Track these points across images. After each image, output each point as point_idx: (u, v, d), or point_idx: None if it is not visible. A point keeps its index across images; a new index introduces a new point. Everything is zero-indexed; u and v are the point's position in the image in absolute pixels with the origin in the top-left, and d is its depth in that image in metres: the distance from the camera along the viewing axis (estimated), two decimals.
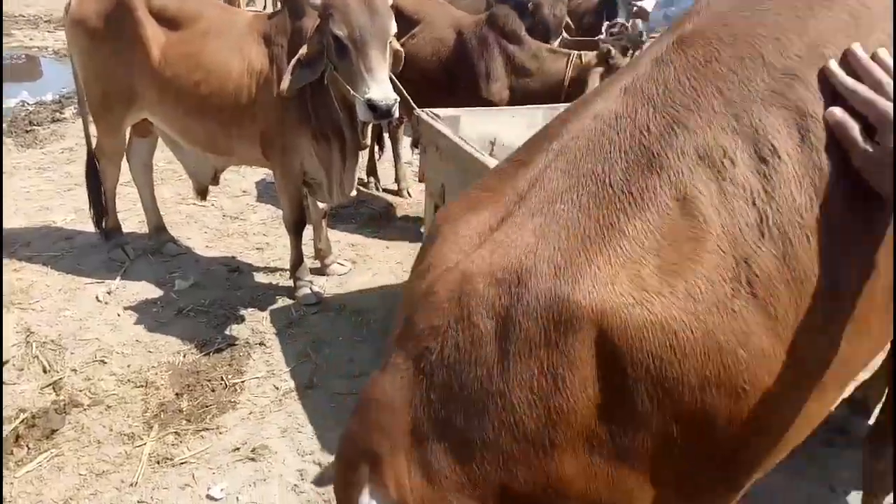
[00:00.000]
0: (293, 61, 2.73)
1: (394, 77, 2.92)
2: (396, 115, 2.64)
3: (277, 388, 2.78)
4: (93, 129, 3.55)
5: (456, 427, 0.92)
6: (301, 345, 3.06)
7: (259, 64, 3.02)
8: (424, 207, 3.11)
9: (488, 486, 0.93)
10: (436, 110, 2.88)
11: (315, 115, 2.95)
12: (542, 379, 0.90)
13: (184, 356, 2.96)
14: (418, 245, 3.85)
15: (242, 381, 2.81)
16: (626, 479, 0.95)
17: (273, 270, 3.73)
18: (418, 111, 2.89)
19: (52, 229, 4.03)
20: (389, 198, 4.77)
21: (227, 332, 3.12)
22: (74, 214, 4.22)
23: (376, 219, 4.45)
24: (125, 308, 3.28)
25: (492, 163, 2.37)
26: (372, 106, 2.53)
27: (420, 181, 3.04)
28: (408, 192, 4.83)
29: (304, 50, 2.73)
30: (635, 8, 5.03)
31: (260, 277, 3.65)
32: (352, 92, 2.61)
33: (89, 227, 3.96)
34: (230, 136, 3.18)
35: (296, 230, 3.34)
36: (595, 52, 3.65)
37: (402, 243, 4.08)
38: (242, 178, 4.94)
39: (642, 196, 0.95)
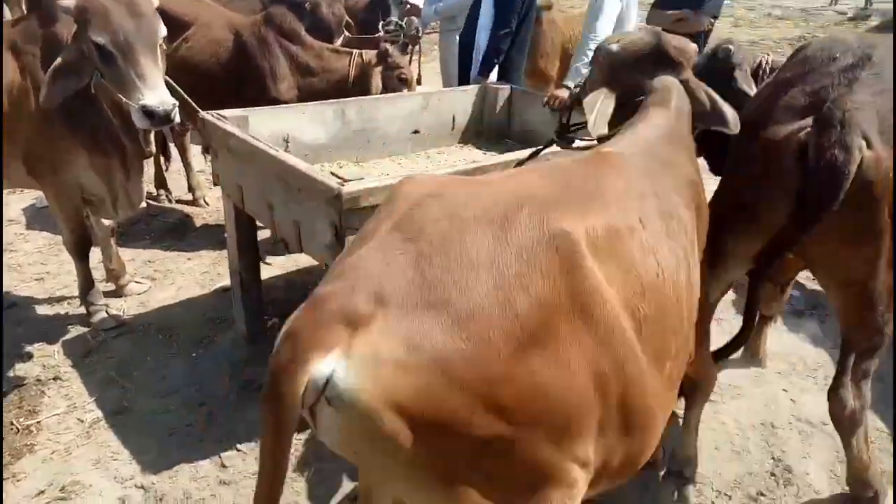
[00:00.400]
0: (50, 71, 2.52)
1: (171, 81, 2.84)
2: (177, 119, 2.57)
3: (82, 421, 2.58)
4: None
5: (448, 301, 1.07)
6: (104, 372, 2.86)
7: (8, 76, 2.74)
8: (224, 211, 3.05)
9: (469, 363, 1.05)
10: (222, 112, 2.84)
11: (86, 126, 2.75)
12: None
13: None
14: (223, 252, 3.79)
15: (38, 422, 2.57)
16: None
17: (59, 300, 3.40)
18: (204, 114, 2.82)
19: None
20: (185, 209, 4.55)
21: (9, 374, 2.81)
22: None
23: (173, 231, 4.24)
24: None
25: (290, 159, 2.42)
26: (148, 112, 2.43)
27: (216, 185, 2.97)
28: (204, 201, 4.66)
29: (59, 59, 2.53)
30: (408, 6, 5.30)
31: (44, 310, 3.32)
32: (124, 100, 2.48)
33: None
34: None
35: (80, 253, 3.09)
36: (375, 52, 3.81)
37: (205, 252, 3.95)
38: (5, 206, 4.40)
39: None
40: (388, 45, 3.81)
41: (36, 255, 3.89)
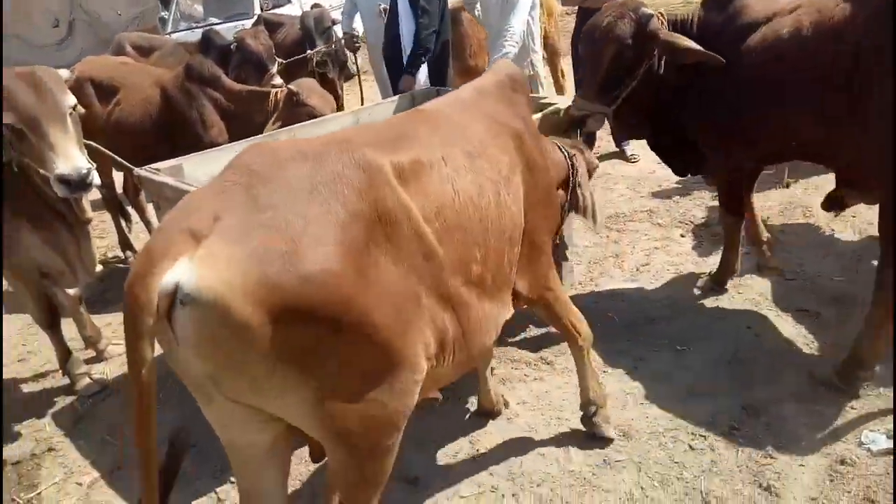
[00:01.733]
0: None
1: (95, 144, 2.92)
2: (96, 182, 2.63)
3: (81, 485, 2.66)
4: None
5: (275, 212, 1.31)
6: (97, 435, 2.94)
7: None
8: None
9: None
10: (155, 165, 2.94)
11: (26, 204, 2.83)
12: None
13: None
14: None
15: (38, 494, 2.65)
16: None
17: (44, 375, 3.48)
18: (137, 171, 2.91)
19: None
20: None
21: (3, 456, 2.89)
22: None
23: None
24: None
25: None
26: (64, 181, 2.51)
27: None
28: None
29: None
30: (333, 36, 5.37)
31: (30, 387, 3.40)
32: (42, 171, 2.57)
33: None
34: None
35: (50, 325, 3.17)
36: (285, 89, 3.86)
37: None
38: None
39: None
40: (293, 86, 3.85)
41: (16, 337, 3.95)
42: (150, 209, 4.69)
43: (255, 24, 6.41)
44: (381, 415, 1.49)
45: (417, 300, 1.54)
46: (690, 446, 2.39)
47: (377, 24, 4.60)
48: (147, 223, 4.68)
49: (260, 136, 3.39)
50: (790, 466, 2.22)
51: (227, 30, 8.11)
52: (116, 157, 3.03)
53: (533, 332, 3.20)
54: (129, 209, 4.74)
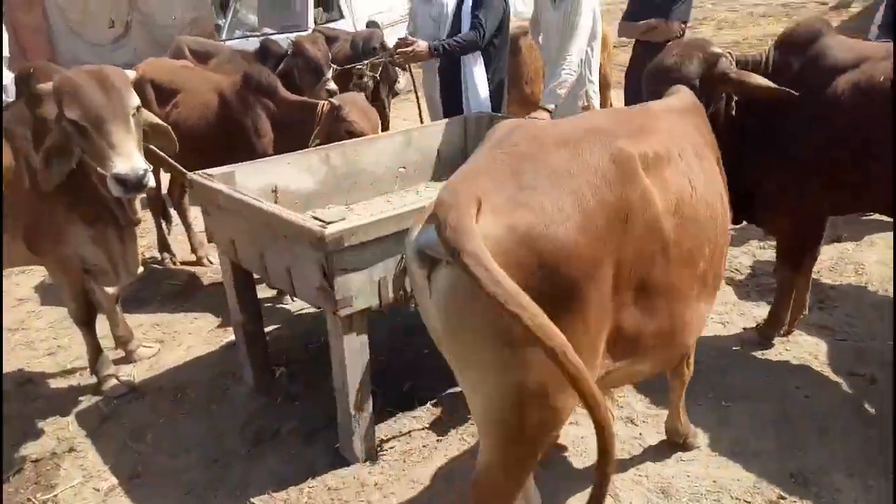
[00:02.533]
0: (41, 155, 2.62)
1: (153, 148, 2.93)
2: (151, 184, 2.64)
3: (98, 490, 2.60)
4: None
5: (535, 190, 1.44)
6: (119, 438, 2.89)
7: (6, 160, 2.85)
8: (220, 264, 3.11)
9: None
10: (208, 170, 2.93)
11: (82, 200, 2.85)
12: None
13: None
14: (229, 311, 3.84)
15: (55, 496, 2.60)
16: None
17: (71, 372, 3.46)
18: (190, 175, 2.91)
19: None
20: (190, 269, 4.63)
21: (25, 451, 2.85)
22: None
23: (179, 294, 4.30)
24: None
25: (273, 207, 2.49)
26: (120, 180, 2.51)
27: (210, 242, 3.05)
28: (208, 260, 4.73)
29: (48, 141, 2.64)
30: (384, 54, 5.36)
31: (58, 383, 3.37)
32: (100, 170, 2.57)
33: None
34: None
35: (85, 322, 3.15)
36: (328, 103, 3.80)
37: (214, 310, 4.00)
38: (17, 286, 4.51)
39: None
40: (335, 100, 3.82)
41: (48, 330, 3.96)
42: (192, 213, 4.71)
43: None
44: (562, 407, 1.53)
45: (627, 295, 1.61)
46: None
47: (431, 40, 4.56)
48: (188, 227, 4.69)
49: (299, 152, 3.36)
50: None
51: (282, 40, 8.23)
52: (171, 160, 3.03)
53: None
54: (171, 211, 4.75)
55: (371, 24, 6.18)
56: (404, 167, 3.69)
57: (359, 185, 3.51)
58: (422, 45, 4.04)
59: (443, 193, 1.42)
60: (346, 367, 2.41)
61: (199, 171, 2.93)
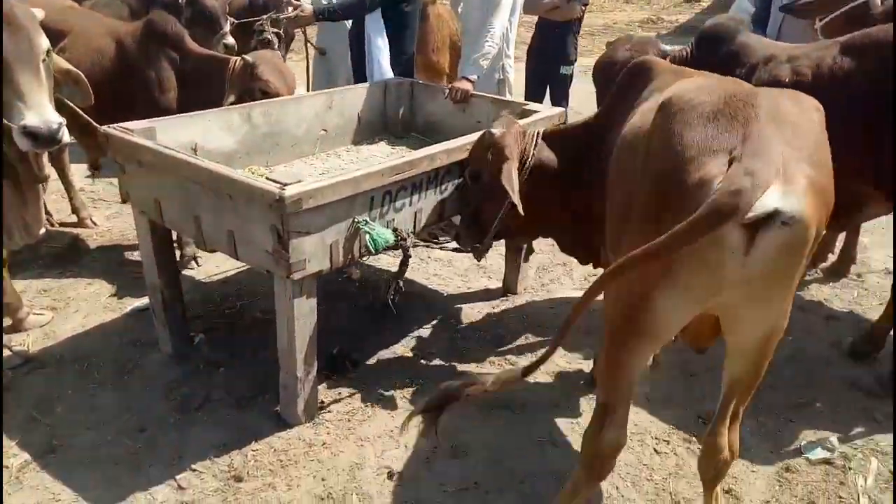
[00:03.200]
0: None
1: (66, 100, 2.67)
2: (65, 139, 2.38)
3: (8, 467, 2.38)
4: None
5: (810, 159, 1.55)
6: (22, 412, 2.64)
7: None
8: (136, 226, 2.91)
9: None
10: (126, 124, 2.71)
11: None
12: None
13: None
14: (128, 274, 3.59)
15: None
16: None
17: None
18: (107, 129, 2.68)
19: None
20: (73, 231, 4.24)
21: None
22: None
23: (64, 257, 3.93)
24: None
25: (220, 168, 2.37)
26: (30, 133, 2.24)
27: (124, 203, 2.83)
28: (91, 221, 4.35)
29: None
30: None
31: None
32: (5, 122, 2.29)
33: None
34: None
35: None
36: (241, 60, 3.62)
37: (107, 276, 3.71)
38: None
39: None
40: (249, 57, 3.66)
41: None
42: (72, 169, 4.29)
43: None
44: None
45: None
46: (656, 450, 2.54)
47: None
48: (69, 185, 4.26)
49: (218, 109, 3.20)
50: (745, 472, 2.43)
51: None
52: (82, 112, 2.75)
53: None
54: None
55: None
56: (325, 130, 3.63)
57: (280, 147, 3.41)
58: (307, 8, 3.98)
59: (765, 164, 1.47)
60: (294, 330, 2.39)
61: (117, 125, 2.70)
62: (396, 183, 2.52)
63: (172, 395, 2.75)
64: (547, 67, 4.95)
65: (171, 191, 2.57)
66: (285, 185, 2.17)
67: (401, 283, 2.64)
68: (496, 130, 2.52)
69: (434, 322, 3.34)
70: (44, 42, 2.40)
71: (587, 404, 2.77)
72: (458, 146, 2.73)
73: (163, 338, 3.03)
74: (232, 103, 3.41)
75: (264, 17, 5.08)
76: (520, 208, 2.40)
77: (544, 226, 2.76)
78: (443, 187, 2.79)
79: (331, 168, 3.42)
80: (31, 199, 2.73)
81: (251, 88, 3.53)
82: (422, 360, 3.05)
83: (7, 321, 3.15)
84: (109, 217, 4.51)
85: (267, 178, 2.29)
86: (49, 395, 2.75)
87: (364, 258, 2.52)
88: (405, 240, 2.55)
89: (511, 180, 2.40)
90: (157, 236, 2.84)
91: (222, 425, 2.59)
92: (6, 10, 2.32)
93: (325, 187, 2.24)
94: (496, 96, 3.93)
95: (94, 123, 2.79)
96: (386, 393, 2.78)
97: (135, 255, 4.00)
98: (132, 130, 2.68)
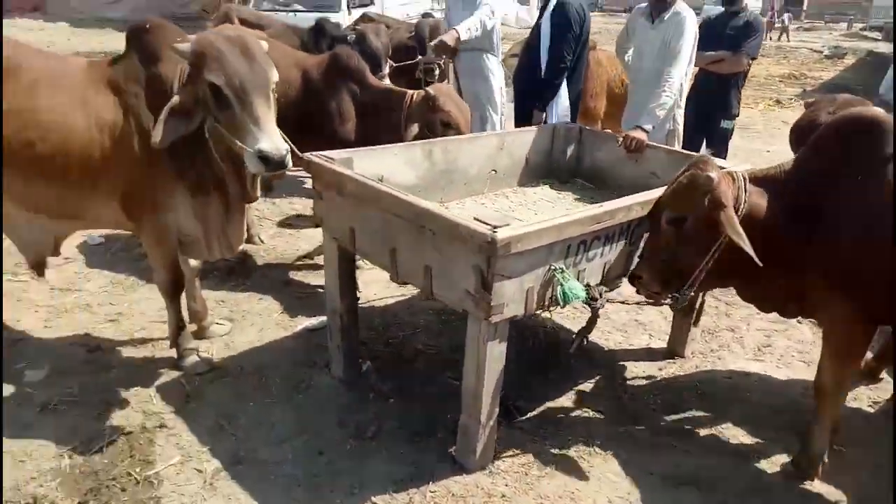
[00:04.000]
0: (165, 111, 2.49)
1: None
2: (289, 165, 2.55)
3: (201, 471, 2.51)
4: None
5: None
6: (210, 418, 2.79)
7: (110, 116, 2.71)
8: (325, 253, 3.03)
9: None
10: (328, 153, 2.86)
11: (191, 168, 2.74)
12: None
13: (70, 458, 2.53)
14: (293, 293, 3.76)
15: (157, 472, 2.49)
16: None
17: (141, 342, 3.33)
18: (309, 156, 2.83)
19: None
20: (242, 247, 4.50)
21: (112, 422, 2.74)
22: None
23: (234, 271, 4.19)
24: None
25: (426, 204, 2.43)
26: (263, 158, 2.40)
27: (317, 227, 2.98)
28: (259, 239, 4.63)
29: (176, 99, 2.52)
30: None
31: (129, 352, 3.25)
32: (239, 144, 2.46)
33: None
34: (82, 197, 2.81)
35: (174, 293, 3.04)
36: (421, 94, 3.76)
37: (275, 293, 3.91)
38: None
39: None
40: (430, 90, 3.78)
41: (103, 294, 3.81)
42: None
43: (359, 22, 6.39)
44: None
45: None
46: None
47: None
48: None
49: (404, 144, 3.32)
50: None
51: (310, 18, 8.09)
52: (286, 139, 2.92)
53: None
54: None
55: (426, 16, 6.10)
56: (495, 170, 3.67)
57: (454, 184, 3.48)
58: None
59: None
60: (483, 373, 2.37)
61: (318, 154, 2.85)
62: (593, 232, 2.48)
63: (347, 421, 2.81)
64: (707, 119, 4.81)
65: (368, 221, 2.66)
66: (496, 227, 2.18)
67: (586, 339, 2.59)
68: (712, 174, 2.41)
69: (597, 377, 3.23)
70: (273, 73, 2.58)
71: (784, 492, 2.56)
72: (653, 199, 2.66)
73: (336, 361, 3.12)
74: (415, 136, 3.53)
75: (419, 59, 5.32)
76: (757, 260, 2.28)
77: (746, 276, 2.60)
78: (632, 239, 2.72)
79: (501, 208, 3.44)
80: (237, 217, 2.91)
81: (432, 120, 3.65)
82: (591, 419, 2.93)
83: (192, 327, 3.37)
84: (272, 236, 4.78)
85: (475, 219, 2.32)
86: (232, 405, 2.89)
87: (552, 309, 2.48)
88: (596, 299, 2.49)
89: (738, 230, 2.30)
90: (344, 262, 2.95)
91: (397, 459, 2.59)
92: (244, 41, 2.53)
93: (532, 232, 2.24)
94: (670, 147, 3.84)
95: (297, 150, 2.95)
96: (561, 451, 2.68)
97: (298, 276, 4.20)
98: (333, 159, 2.81)
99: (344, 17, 8.65)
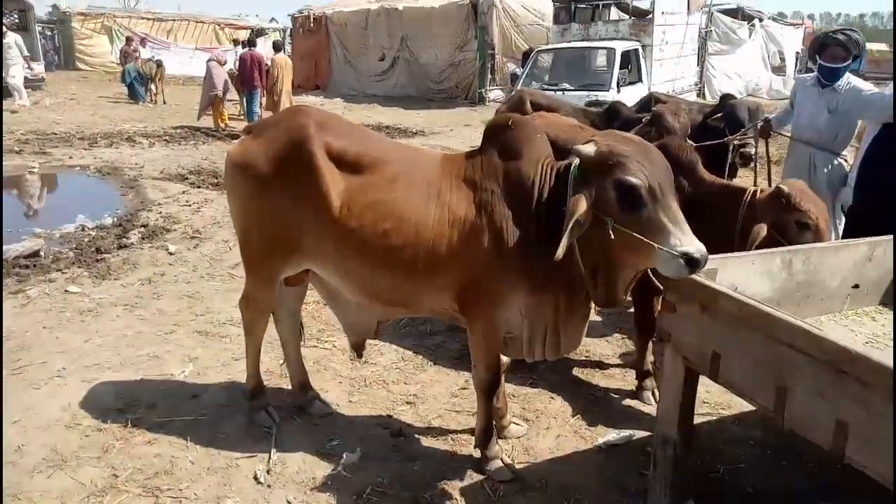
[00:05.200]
0: (572, 222, 2.32)
1: None
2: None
3: None
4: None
5: None
6: None
7: (462, 211, 2.64)
8: (667, 369, 2.64)
9: None
10: None
11: (537, 267, 2.55)
12: None
13: None
14: (588, 398, 3.41)
15: None
16: None
17: (440, 433, 3.19)
18: None
19: (174, 385, 3.49)
20: None
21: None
22: (191, 365, 3.69)
23: (523, 363, 3.95)
24: (293, 493, 2.71)
25: (837, 339, 1.94)
26: (690, 260, 2.25)
27: (662, 341, 2.62)
28: None
29: (583, 208, 2.35)
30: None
31: (429, 441, 3.12)
32: (657, 246, 2.29)
33: (212, 379, 3.47)
34: (417, 289, 2.77)
35: (489, 392, 2.85)
36: (768, 192, 3.28)
37: (566, 394, 3.59)
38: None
39: None
40: (784, 186, 3.23)
41: (394, 371, 3.81)
42: None
43: (644, 102, 6.09)
44: None
45: None
46: None
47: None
48: None
49: (761, 251, 2.84)
50: None
51: (579, 98, 8.00)
52: None
53: None
54: None
55: (726, 97, 5.56)
56: (858, 285, 3.02)
57: (810, 299, 2.90)
58: None
59: None
60: None
61: None
62: None
63: None
64: None
65: (744, 347, 2.22)
66: None
67: None
68: None
69: None
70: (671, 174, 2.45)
71: None
72: None
73: (656, 494, 2.66)
74: (762, 240, 3.05)
75: (730, 138, 4.79)
76: None
77: None
78: None
79: (873, 335, 2.79)
80: (578, 320, 2.69)
81: (786, 221, 3.12)
82: None
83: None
84: None
85: None
86: None
87: None
88: None
89: None
90: (689, 388, 2.53)
91: None
92: (644, 143, 2.45)
93: None
94: None
95: None
96: None
97: (584, 374, 3.85)
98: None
99: (612, 96, 8.47)
